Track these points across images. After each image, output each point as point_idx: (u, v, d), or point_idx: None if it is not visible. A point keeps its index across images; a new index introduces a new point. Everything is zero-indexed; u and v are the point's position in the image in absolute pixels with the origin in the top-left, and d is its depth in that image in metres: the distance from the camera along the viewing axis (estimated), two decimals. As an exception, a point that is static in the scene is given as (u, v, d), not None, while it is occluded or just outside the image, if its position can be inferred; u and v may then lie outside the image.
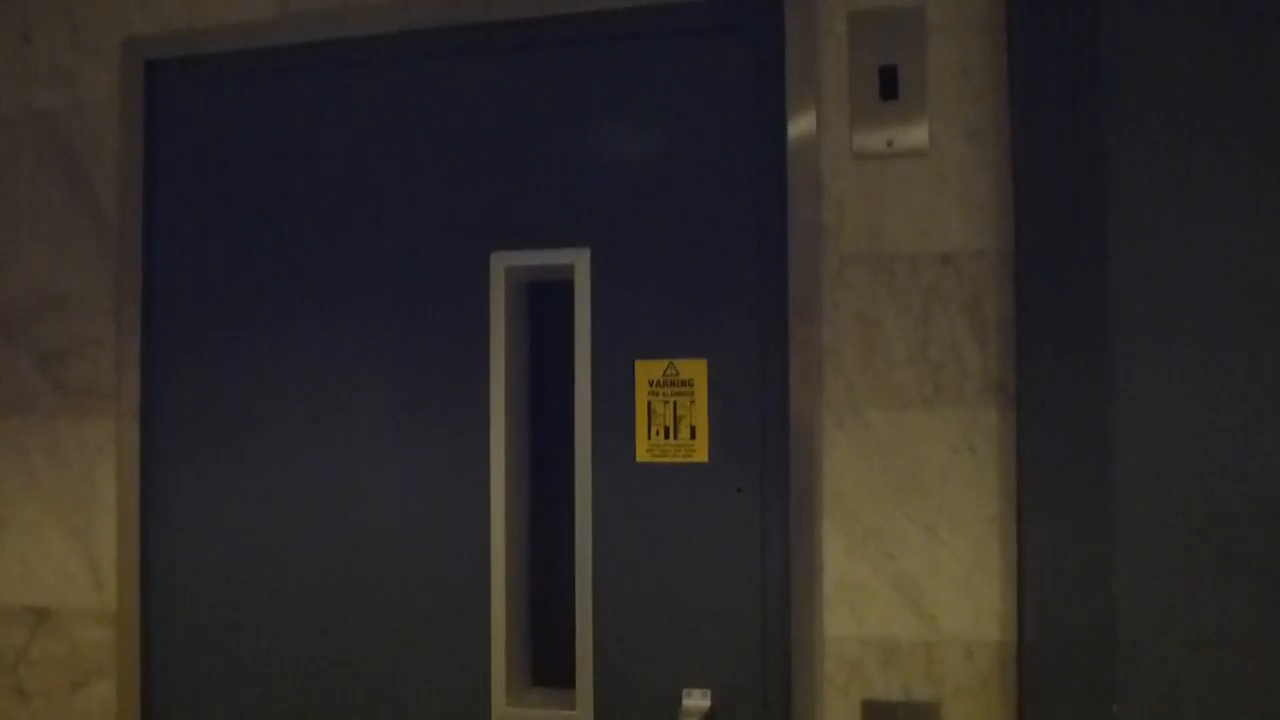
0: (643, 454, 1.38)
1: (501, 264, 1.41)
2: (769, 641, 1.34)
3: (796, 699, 1.31)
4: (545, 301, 1.46)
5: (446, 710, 1.43)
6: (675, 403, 1.37)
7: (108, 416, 1.53)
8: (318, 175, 1.49)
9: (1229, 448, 1.22)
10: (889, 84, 1.30)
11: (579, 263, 1.39)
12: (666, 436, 1.37)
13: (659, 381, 1.37)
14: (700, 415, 1.36)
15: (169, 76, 1.54)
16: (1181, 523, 1.22)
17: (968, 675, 1.28)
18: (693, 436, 1.36)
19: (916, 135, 1.30)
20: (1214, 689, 1.21)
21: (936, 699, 1.29)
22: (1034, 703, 1.22)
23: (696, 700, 1.36)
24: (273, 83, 1.51)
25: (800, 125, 1.32)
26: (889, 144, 1.30)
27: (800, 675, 1.31)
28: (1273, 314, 1.21)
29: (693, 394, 1.36)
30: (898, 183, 1.31)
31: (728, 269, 1.36)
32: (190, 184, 1.53)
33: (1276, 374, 1.21)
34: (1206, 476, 1.22)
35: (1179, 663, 1.22)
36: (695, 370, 1.36)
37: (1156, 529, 1.23)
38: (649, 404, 1.37)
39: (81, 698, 1.53)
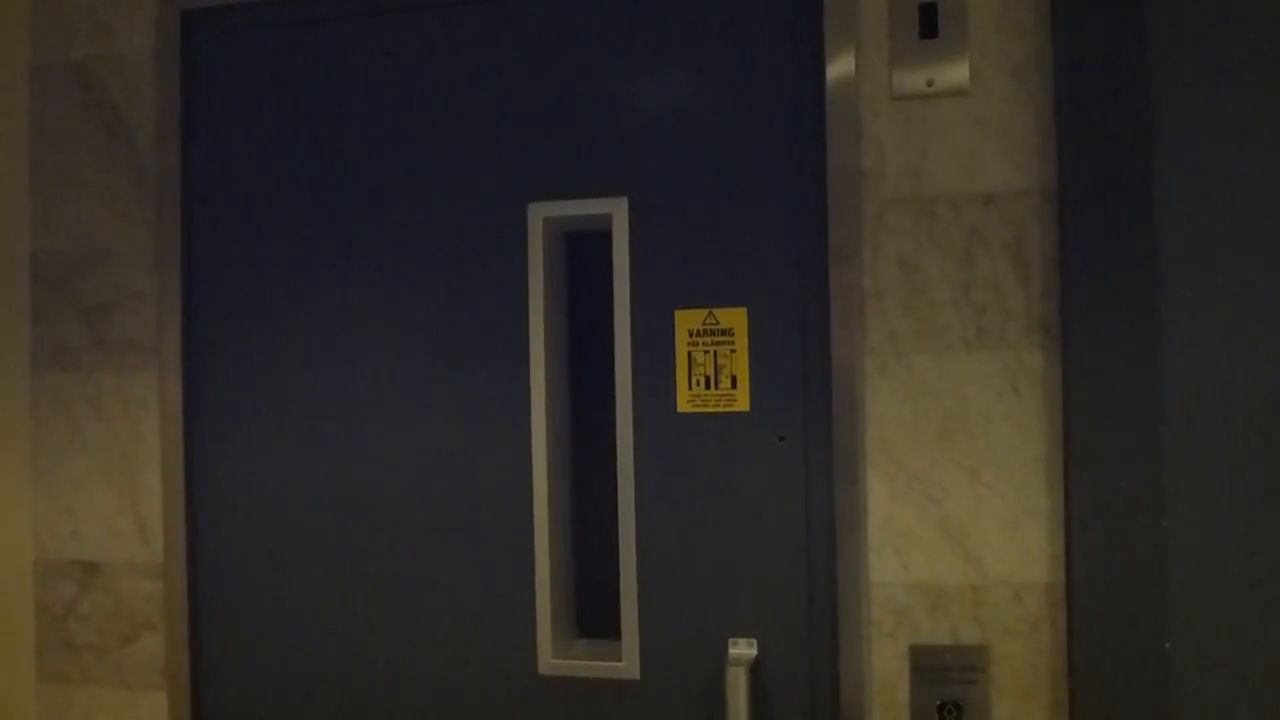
0: (684, 404, 1.37)
1: (539, 214, 1.41)
2: (814, 589, 1.33)
3: (843, 645, 1.31)
4: (584, 252, 1.46)
5: (492, 663, 1.43)
6: (715, 352, 1.36)
7: (150, 370, 1.54)
8: (355, 126, 1.49)
9: (1281, 384, 1.20)
10: (929, 22, 1.29)
11: (616, 212, 1.38)
12: (707, 386, 1.36)
13: (699, 331, 1.37)
14: (741, 364, 1.35)
15: (205, 27, 1.55)
16: (1233, 458, 1.21)
17: (1016, 618, 1.27)
18: (734, 386, 1.36)
19: (957, 74, 1.28)
20: (1271, 625, 1.20)
21: (985, 642, 1.28)
22: (1085, 644, 1.21)
23: (743, 649, 1.36)
24: (309, 32, 1.51)
25: (839, 67, 1.31)
26: (929, 84, 1.29)
27: (846, 622, 1.31)
28: (1326, 247, 1.19)
29: (733, 343, 1.36)
30: (938, 123, 1.29)
31: (766, 216, 1.35)
32: (229, 136, 1.54)
33: (1330, 308, 1.19)
34: (1258, 412, 1.20)
35: (1234, 599, 1.21)
36: (735, 319, 1.36)
37: (1207, 466, 1.21)
38: (689, 354, 1.37)
39: (131, 651, 1.55)
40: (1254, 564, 1.20)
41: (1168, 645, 1.19)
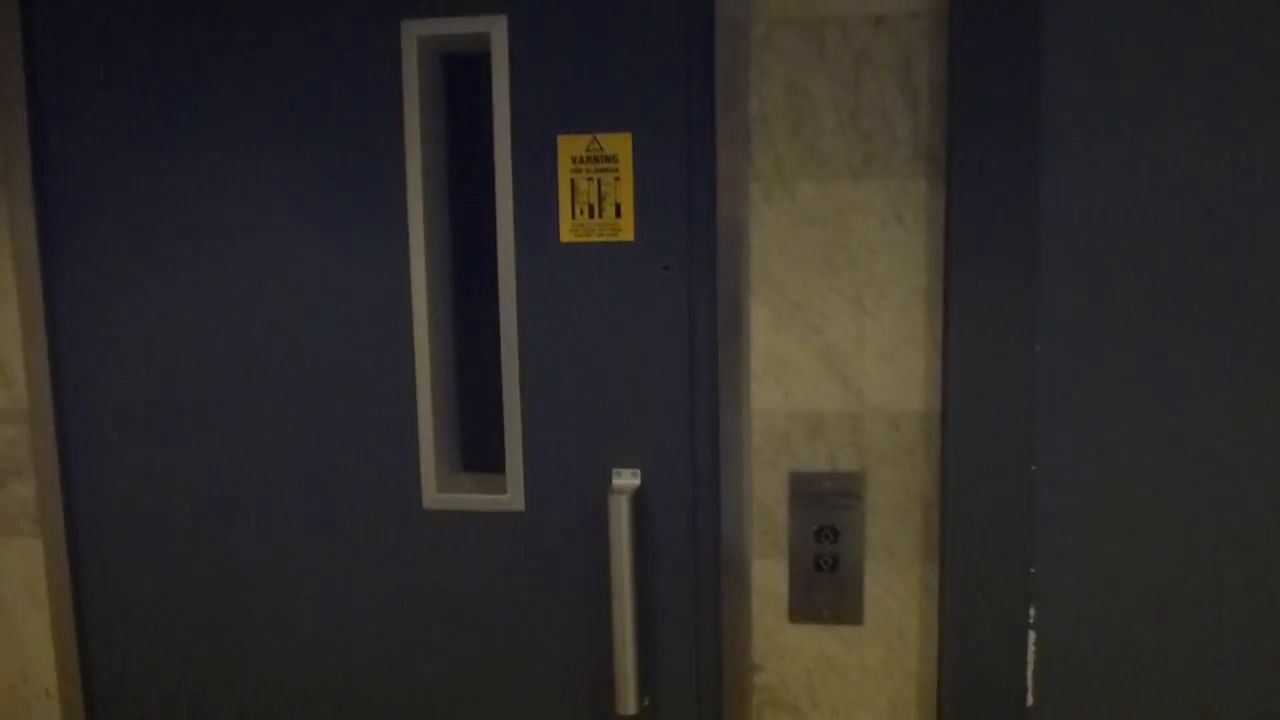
0: (566, 234, 1.33)
1: (414, 33, 1.33)
2: (697, 418, 1.34)
3: (725, 473, 1.32)
4: (462, 74, 1.39)
5: (377, 500, 1.42)
6: (599, 180, 1.32)
7: (-1, 202, 1.45)
8: (209, -61, 1.37)
9: (1156, 216, 1.21)
10: None
11: (495, 31, 1.31)
12: (591, 215, 1.33)
13: (582, 158, 1.32)
14: (625, 192, 1.32)
15: None
16: (1106, 288, 1.22)
17: (892, 445, 1.29)
18: (618, 215, 1.32)
19: (850, -116, 1.22)
20: (1138, 449, 1.24)
21: (862, 469, 1.30)
22: (957, 469, 1.24)
23: (627, 479, 1.36)
24: None
25: (727, -126, 1.24)
26: (821, -106, 1.22)
27: (728, 450, 1.32)
28: (1209, 79, 1.18)
29: (617, 170, 1.31)
30: (829, -63, 1.24)
31: (652, 37, 1.29)
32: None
33: (1209, 140, 1.19)
34: (1131, 245, 1.21)
35: (1101, 425, 1.24)
36: (619, 145, 1.31)
37: (1079, 297, 1.23)
38: (572, 181, 1.32)
39: (0, 498, 1.50)
40: (1123, 389, 1.23)
41: (1034, 468, 1.23)
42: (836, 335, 1.29)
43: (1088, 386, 1.24)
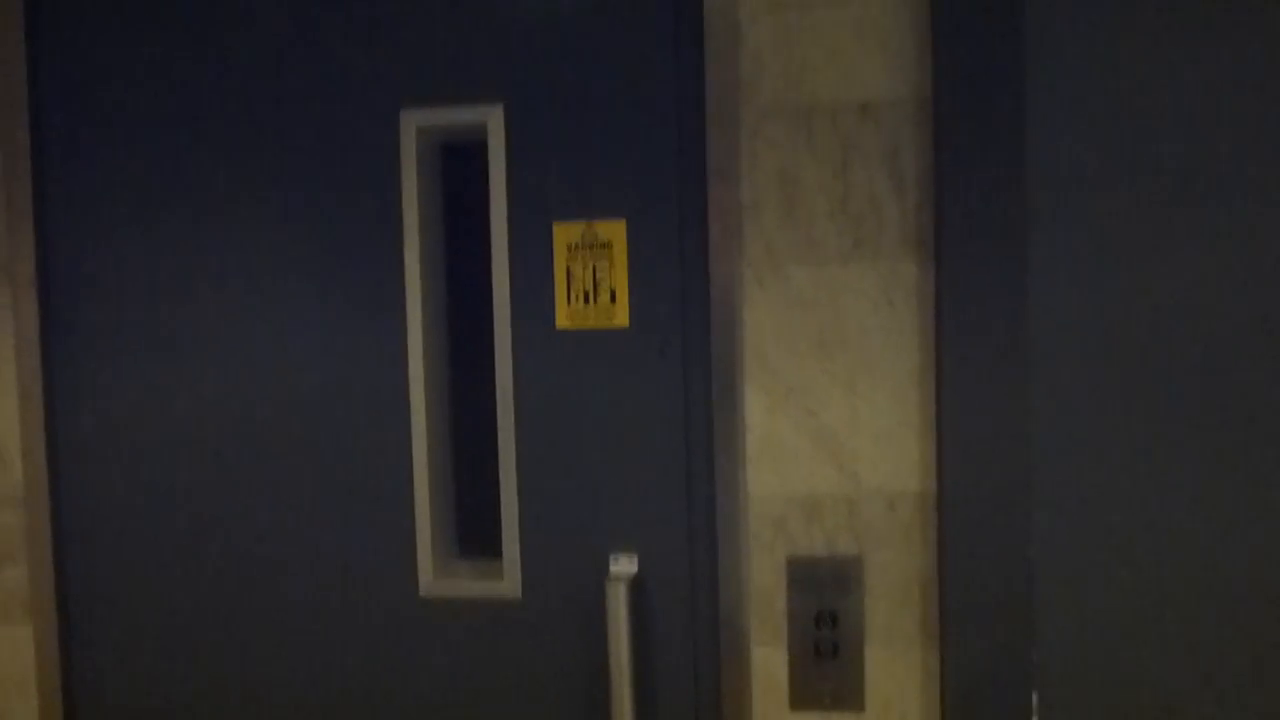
0: (563, 320, 1.35)
1: (413, 122, 1.36)
2: (694, 503, 1.33)
3: (723, 558, 1.31)
4: (459, 162, 1.41)
5: (373, 587, 1.41)
6: (595, 266, 1.34)
7: (2, 288, 1.46)
8: (218, 30, 1.41)
9: (1143, 300, 1.22)
10: (806, -72, 1.26)
11: (493, 120, 1.34)
12: (586, 301, 1.34)
13: (577, 244, 1.34)
14: (620, 278, 1.33)
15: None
16: (1095, 372, 1.23)
17: (889, 527, 1.29)
18: (613, 300, 1.34)
19: (834, -19, 1.26)
20: (1133, 531, 1.24)
21: (859, 552, 1.30)
22: (954, 551, 1.23)
23: (624, 565, 1.35)
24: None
25: (716, -28, 1.28)
26: (807, -10, 1.27)
27: (726, 535, 1.31)
28: (1188, 171, 1.21)
29: (612, 256, 1.33)
30: (816, 31, 1.28)
31: (645, 125, 1.32)
32: (80, 47, 1.45)
33: (1189, 229, 1.21)
34: (1120, 327, 1.23)
35: (1094, 503, 1.24)
36: (614, 232, 1.33)
37: (1070, 377, 1.24)
38: (568, 268, 1.34)
39: (-7, 586, 1.49)
40: (1114, 472, 1.23)
41: (1031, 549, 1.22)
42: (831, 417, 1.29)
43: (1082, 466, 1.24)
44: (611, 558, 1.36)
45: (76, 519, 1.47)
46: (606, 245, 1.33)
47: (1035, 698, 1.23)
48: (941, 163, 1.24)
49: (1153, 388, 1.22)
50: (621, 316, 1.33)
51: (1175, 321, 1.22)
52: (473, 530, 1.45)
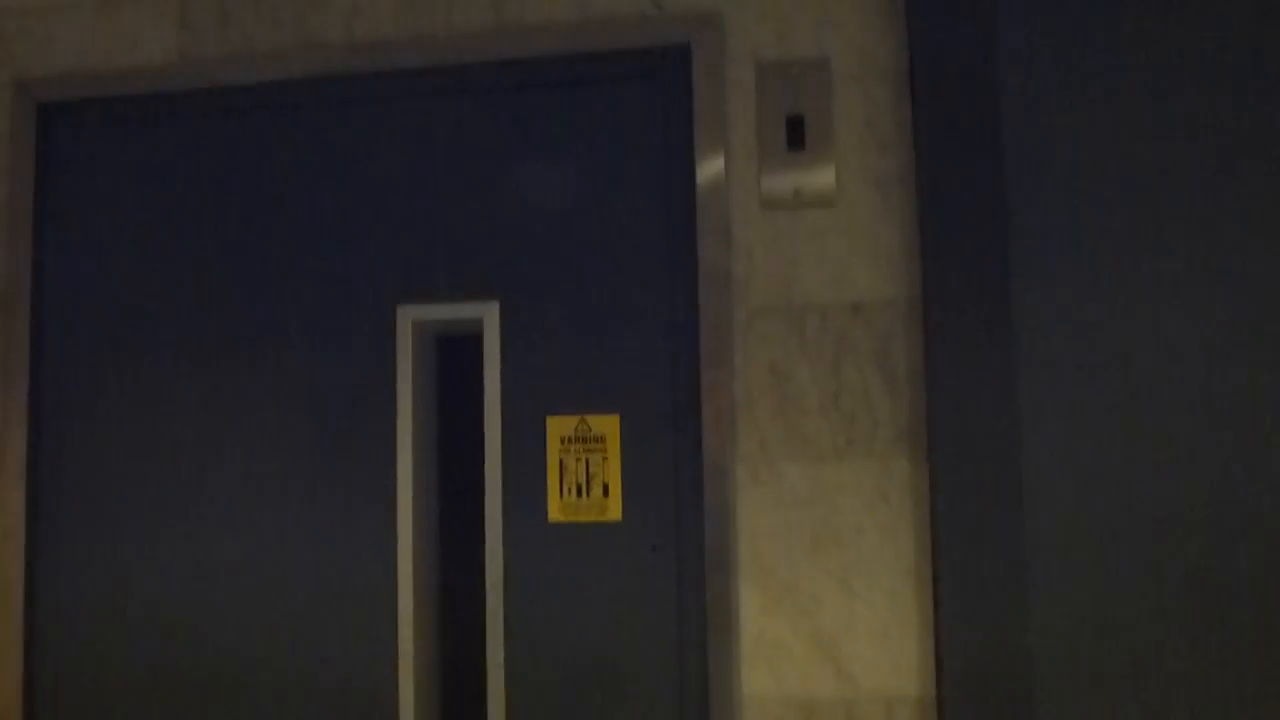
0: (555, 513, 1.34)
1: (409, 317, 1.38)
2: (687, 703, 1.30)
3: (716, 762, 1.27)
4: (455, 355, 1.42)
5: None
6: (588, 459, 1.33)
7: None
8: (219, 224, 1.44)
9: (1139, 495, 1.21)
10: (796, 134, 1.30)
11: (488, 316, 1.36)
12: (579, 494, 1.33)
13: (570, 438, 1.34)
14: (613, 472, 1.33)
15: (63, 120, 1.49)
16: (1092, 570, 1.22)
17: (888, 732, 1.25)
18: (605, 494, 1.33)
19: (823, 184, 1.29)
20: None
21: (857, 758, 1.26)
22: (954, 759, 1.20)
23: (614, 766, 1.31)
24: (171, 128, 1.46)
25: (709, 174, 1.31)
26: (796, 193, 1.29)
27: (719, 738, 1.27)
28: (1170, 353, 1.22)
29: (605, 450, 1.33)
30: (806, 232, 1.30)
31: (638, 321, 1.33)
32: (84, 232, 1.47)
33: (1182, 415, 1.21)
34: (1117, 525, 1.22)
35: (1096, 709, 1.21)
36: (607, 426, 1.33)
37: (1068, 577, 1.22)
38: (560, 461, 1.34)
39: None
40: (1118, 677, 1.21)
41: (1034, 762, 1.19)
42: (827, 618, 1.27)
43: (1083, 673, 1.21)
44: (603, 758, 1.32)
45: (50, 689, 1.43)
46: (600, 439, 1.33)
47: None
48: (932, 360, 1.25)
49: (1156, 586, 1.21)
50: (614, 510, 1.32)
51: (1175, 523, 1.21)
52: (461, 726, 1.41)
